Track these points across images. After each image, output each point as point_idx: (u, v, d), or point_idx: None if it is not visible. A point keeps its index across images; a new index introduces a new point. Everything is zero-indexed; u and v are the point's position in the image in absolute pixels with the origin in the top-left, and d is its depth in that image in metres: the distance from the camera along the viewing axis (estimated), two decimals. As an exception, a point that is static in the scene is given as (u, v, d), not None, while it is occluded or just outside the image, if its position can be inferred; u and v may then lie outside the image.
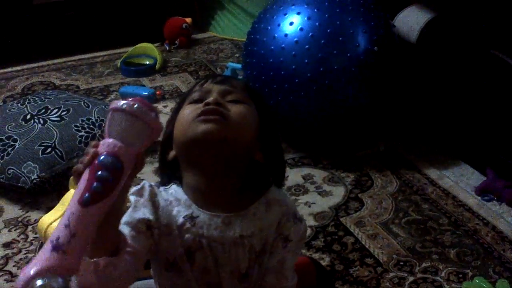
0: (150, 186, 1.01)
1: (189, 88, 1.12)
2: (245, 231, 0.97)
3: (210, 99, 0.98)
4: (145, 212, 0.96)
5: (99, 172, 0.80)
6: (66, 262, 0.77)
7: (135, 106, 0.83)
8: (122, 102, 0.84)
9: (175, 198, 1.00)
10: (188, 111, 0.99)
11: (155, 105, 2.41)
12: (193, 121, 0.96)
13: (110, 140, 0.83)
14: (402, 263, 1.57)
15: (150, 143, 0.86)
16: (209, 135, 0.94)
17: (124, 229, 0.93)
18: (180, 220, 0.97)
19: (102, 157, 0.81)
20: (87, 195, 0.79)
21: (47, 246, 0.77)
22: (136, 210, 0.98)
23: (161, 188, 1.02)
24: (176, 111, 1.05)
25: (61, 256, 0.76)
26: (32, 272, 0.75)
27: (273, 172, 1.05)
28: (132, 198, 1.00)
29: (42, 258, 0.77)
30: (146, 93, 2.47)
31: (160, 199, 1.00)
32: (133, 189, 1.00)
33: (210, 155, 0.96)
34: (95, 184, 0.79)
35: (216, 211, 0.98)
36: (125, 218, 0.95)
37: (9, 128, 1.96)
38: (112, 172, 0.81)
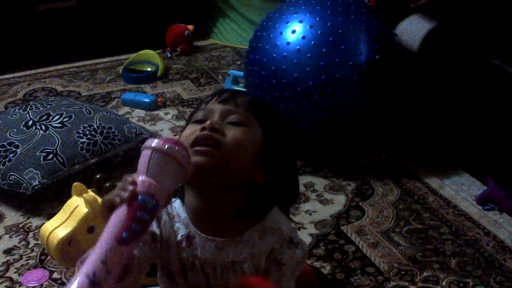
0: None
1: (195, 101, 1.14)
2: (237, 257, 0.97)
3: (207, 123, 0.95)
4: (152, 225, 0.96)
5: (139, 214, 0.82)
6: None
7: (176, 148, 0.86)
8: (163, 142, 0.86)
9: (177, 214, 1.01)
10: (188, 132, 0.98)
11: (156, 112, 2.43)
12: (190, 149, 0.94)
13: (149, 179, 0.84)
14: (403, 272, 1.57)
15: (181, 183, 0.89)
16: (201, 167, 0.93)
17: None
18: (179, 237, 0.99)
19: (142, 198, 0.83)
20: (126, 234, 0.81)
21: (82, 280, 0.78)
22: None
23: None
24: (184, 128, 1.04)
25: None
26: None
27: (278, 195, 1.02)
28: None
29: None
30: (148, 100, 2.47)
31: (163, 213, 1.01)
32: None
33: (205, 183, 0.96)
34: (134, 225, 0.81)
35: (212, 234, 0.98)
36: None
37: (10, 134, 1.96)
38: (150, 213, 0.83)
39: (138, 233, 0.82)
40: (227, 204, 0.97)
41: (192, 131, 0.97)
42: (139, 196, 0.83)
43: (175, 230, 0.99)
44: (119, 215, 0.82)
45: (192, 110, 1.09)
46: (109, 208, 0.84)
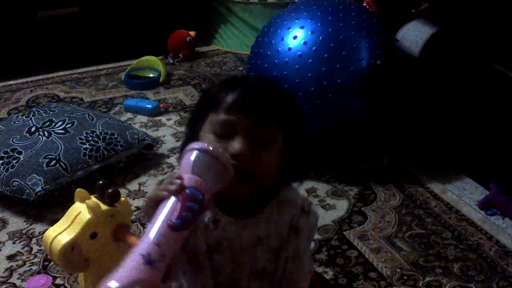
0: None
1: (223, 78, 1.05)
2: (262, 232, 1.01)
3: (236, 150, 0.92)
4: None
5: (189, 203, 0.86)
6: (155, 278, 0.80)
7: (221, 151, 0.90)
8: (207, 144, 0.90)
9: None
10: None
11: (158, 118, 2.43)
12: None
13: (196, 176, 0.88)
14: (405, 277, 1.57)
15: (222, 185, 0.92)
16: (238, 194, 0.98)
17: None
18: (205, 220, 1.01)
19: (191, 190, 0.87)
20: (179, 221, 0.84)
21: (136, 259, 0.80)
22: None
23: None
24: (197, 116, 1.01)
25: (153, 272, 0.80)
26: (125, 281, 0.78)
27: (294, 178, 1.06)
28: None
29: (133, 270, 0.79)
30: (150, 106, 2.48)
31: None
32: None
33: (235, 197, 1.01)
34: (185, 213, 0.85)
35: (235, 216, 1.01)
36: None
37: (13, 140, 1.97)
38: (199, 205, 0.86)
39: (190, 221, 0.85)
40: (251, 197, 1.01)
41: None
42: (187, 189, 0.86)
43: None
44: (168, 205, 0.85)
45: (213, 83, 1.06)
46: (156, 202, 0.87)
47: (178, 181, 0.86)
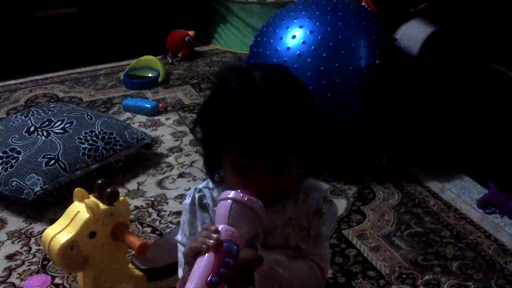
0: (199, 191, 1.07)
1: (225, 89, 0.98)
2: (291, 213, 1.04)
3: (258, 187, 0.95)
4: (203, 221, 1.07)
5: (226, 259, 0.90)
6: None
7: (254, 200, 0.94)
8: (242, 194, 0.93)
9: None
10: (235, 182, 0.98)
11: (157, 117, 2.43)
12: None
13: (231, 228, 0.92)
14: (404, 276, 1.57)
15: (256, 230, 0.97)
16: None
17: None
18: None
19: (227, 244, 0.91)
20: (216, 278, 0.88)
21: None
22: (194, 223, 1.08)
23: (210, 186, 1.07)
24: (212, 149, 1.01)
25: None
26: None
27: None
28: (188, 209, 1.08)
29: None
30: (149, 106, 2.48)
31: (209, 200, 1.06)
32: (186, 200, 1.08)
33: None
34: (222, 269, 0.89)
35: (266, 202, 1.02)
36: (187, 229, 1.08)
37: (12, 140, 1.97)
38: (234, 258, 0.91)
39: (225, 276, 0.90)
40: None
41: (241, 183, 0.97)
42: (224, 243, 0.91)
43: None
44: (206, 261, 0.90)
45: (195, 114, 1.05)
46: (195, 254, 0.92)
47: (215, 235, 0.91)
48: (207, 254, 0.90)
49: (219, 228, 0.92)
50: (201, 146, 1.06)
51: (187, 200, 1.08)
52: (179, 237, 1.10)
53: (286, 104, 0.96)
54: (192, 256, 0.92)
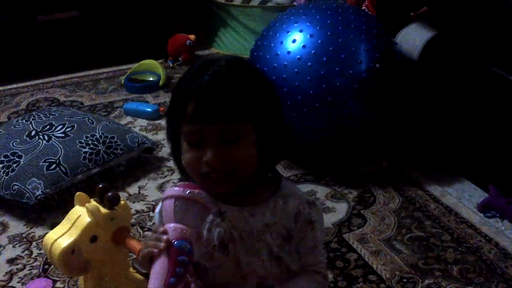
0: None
1: (184, 78, 1.01)
2: (268, 220, 1.03)
3: (208, 158, 0.95)
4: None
5: (180, 257, 0.91)
6: None
7: (196, 192, 0.94)
8: (182, 188, 0.94)
9: (201, 197, 1.04)
10: (188, 156, 0.98)
11: (158, 121, 2.44)
12: (203, 179, 0.98)
13: (178, 225, 0.93)
14: (405, 280, 1.57)
15: (206, 219, 0.99)
16: (224, 191, 1.01)
17: None
18: (211, 217, 1.03)
19: (178, 243, 0.92)
20: (173, 279, 0.90)
21: None
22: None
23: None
24: (173, 126, 1.02)
25: None
26: None
27: (278, 151, 1.06)
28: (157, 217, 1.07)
29: None
30: (150, 110, 2.48)
31: None
32: (158, 208, 1.07)
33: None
34: (178, 269, 0.91)
35: (240, 204, 1.04)
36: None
37: (14, 144, 1.97)
38: (188, 255, 0.92)
39: (183, 274, 0.91)
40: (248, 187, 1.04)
41: (194, 158, 0.97)
42: (175, 242, 0.91)
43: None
44: (161, 264, 0.91)
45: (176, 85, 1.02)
46: (149, 259, 0.93)
47: (164, 236, 0.92)
48: (160, 257, 0.91)
49: (167, 228, 0.93)
50: (167, 134, 1.06)
51: (158, 208, 1.07)
52: None
53: (238, 74, 0.99)
54: (147, 261, 0.93)
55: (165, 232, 0.93)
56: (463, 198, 1.92)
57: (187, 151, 0.99)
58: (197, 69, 1.00)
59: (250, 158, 0.98)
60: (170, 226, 0.93)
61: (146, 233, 1.77)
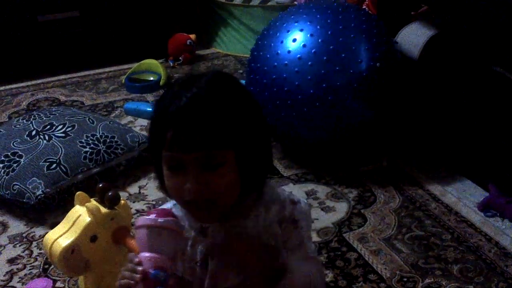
0: None
1: (159, 103, 0.98)
2: (252, 231, 1.02)
3: (189, 187, 0.93)
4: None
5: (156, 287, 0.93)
6: None
7: (168, 219, 0.95)
8: (154, 216, 0.95)
9: (181, 215, 1.04)
10: (171, 183, 0.96)
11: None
12: (187, 206, 0.98)
13: (152, 254, 0.94)
14: (405, 279, 1.57)
15: (180, 244, 0.99)
16: (208, 222, 1.01)
17: None
18: (193, 233, 1.03)
19: (154, 273, 0.93)
20: None
21: None
22: None
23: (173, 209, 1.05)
24: (154, 151, 0.98)
25: None
26: None
27: (259, 172, 1.03)
28: None
29: None
30: (151, 109, 2.47)
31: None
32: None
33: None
34: None
35: (222, 220, 1.02)
36: None
37: (14, 144, 1.97)
38: (164, 283, 0.93)
39: None
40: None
41: (175, 184, 0.95)
42: (151, 272, 0.92)
43: (186, 229, 1.03)
44: None
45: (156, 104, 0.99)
46: None
47: (139, 268, 0.92)
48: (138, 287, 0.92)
49: (142, 258, 0.94)
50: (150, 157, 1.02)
51: None
52: None
53: (219, 97, 0.94)
54: None
55: (139, 263, 0.93)
56: (463, 197, 1.92)
57: (169, 177, 0.96)
58: (176, 89, 0.96)
59: (231, 185, 0.95)
60: (145, 255, 0.94)
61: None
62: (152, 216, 0.95)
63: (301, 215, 1.05)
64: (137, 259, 0.94)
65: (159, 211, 0.97)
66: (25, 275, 1.62)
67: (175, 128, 0.92)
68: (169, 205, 1.09)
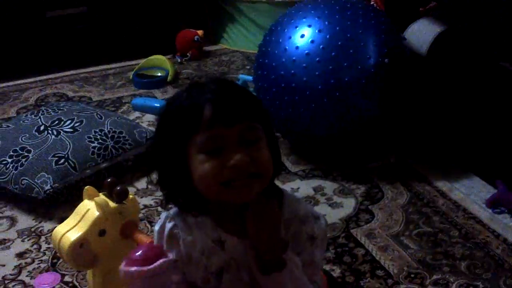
0: (170, 220, 1.04)
1: (182, 95, 0.98)
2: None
3: (234, 162, 0.91)
4: (172, 255, 1.02)
5: None
6: None
7: (158, 263, 0.92)
8: (135, 269, 0.93)
9: (201, 223, 1.02)
10: (207, 167, 0.93)
11: (166, 116, 2.44)
12: (223, 188, 0.93)
13: None
14: (413, 275, 1.57)
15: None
16: (245, 200, 0.95)
17: None
18: (209, 243, 1.01)
19: None
20: None
21: None
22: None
23: (180, 218, 1.04)
24: (180, 139, 0.96)
25: None
26: None
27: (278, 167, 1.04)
28: (156, 237, 1.06)
29: None
30: (158, 105, 2.48)
31: (180, 231, 1.03)
32: (156, 227, 1.06)
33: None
34: None
35: (241, 235, 1.00)
36: None
37: (23, 139, 1.98)
38: None
39: None
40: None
41: (212, 167, 0.92)
42: None
43: (200, 239, 1.01)
44: None
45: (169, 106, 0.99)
46: None
47: None
48: None
49: None
50: (158, 164, 1.00)
51: (157, 227, 1.05)
52: None
53: (235, 86, 1.00)
54: None
55: None
56: (471, 193, 1.92)
57: (203, 162, 0.92)
58: (194, 87, 0.97)
59: (270, 160, 0.96)
60: None
61: (154, 227, 1.78)
62: (138, 261, 0.92)
63: (320, 233, 1.03)
64: None
65: (141, 251, 0.93)
66: (34, 269, 1.62)
67: (214, 105, 0.92)
68: (172, 212, 1.05)
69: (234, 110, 0.93)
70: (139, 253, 0.93)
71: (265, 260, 0.97)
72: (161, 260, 0.92)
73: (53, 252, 1.66)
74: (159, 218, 1.07)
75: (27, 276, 1.60)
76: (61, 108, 2.17)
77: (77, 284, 1.56)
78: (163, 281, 0.92)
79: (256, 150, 0.93)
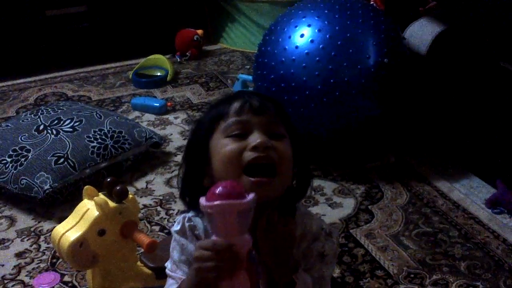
0: (189, 220, 1.04)
1: (216, 100, 1.06)
2: None
3: (258, 141, 0.94)
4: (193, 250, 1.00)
5: (258, 269, 0.89)
6: None
7: (238, 201, 0.85)
8: (230, 202, 0.85)
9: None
10: (230, 148, 0.96)
11: (166, 116, 2.44)
12: (243, 176, 0.94)
13: (242, 236, 0.87)
14: (412, 275, 1.57)
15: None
16: (262, 198, 0.93)
17: (182, 267, 1.02)
18: None
19: (250, 256, 0.87)
20: None
21: None
22: (185, 248, 1.03)
23: (197, 218, 1.04)
24: (205, 132, 1.00)
25: None
26: None
27: (301, 191, 1.05)
28: (177, 237, 1.04)
29: None
30: (157, 105, 2.48)
31: (200, 231, 1.03)
32: (175, 227, 1.05)
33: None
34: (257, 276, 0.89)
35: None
36: (177, 256, 1.04)
37: (22, 138, 1.98)
38: (257, 261, 0.90)
39: (258, 281, 0.91)
40: (268, 208, 0.97)
41: (235, 147, 0.95)
42: (251, 253, 0.88)
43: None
44: (239, 279, 0.87)
45: (202, 113, 1.05)
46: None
47: (238, 252, 0.87)
48: (239, 274, 0.86)
49: (236, 242, 0.86)
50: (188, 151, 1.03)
51: (176, 227, 1.05)
52: (168, 264, 1.06)
53: (268, 96, 1.06)
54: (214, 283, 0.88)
55: (235, 253, 0.87)
56: (471, 194, 1.92)
57: (226, 145, 0.96)
58: (223, 99, 1.04)
59: (290, 160, 0.98)
60: (236, 238, 0.86)
61: (153, 227, 1.78)
62: (230, 199, 0.85)
63: (331, 252, 1.03)
64: (233, 247, 0.86)
65: (228, 186, 0.86)
66: (33, 269, 1.62)
67: (246, 98, 1.00)
68: (189, 214, 1.05)
69: (264, 102, 1.00)
70: (225, 186, 0.87)
71: (275, 279, 0.97)
72: (252, 194, 0.87)
73: (53, 251, 1.66)
74: (175, 222, 1.07)
75: (26, 275, 1.60)
76: (61, 108, 2.16)
77: (76, 284, 1.56)
78: (249, 221, 0.87)
79: (280, 143, 0.97)
